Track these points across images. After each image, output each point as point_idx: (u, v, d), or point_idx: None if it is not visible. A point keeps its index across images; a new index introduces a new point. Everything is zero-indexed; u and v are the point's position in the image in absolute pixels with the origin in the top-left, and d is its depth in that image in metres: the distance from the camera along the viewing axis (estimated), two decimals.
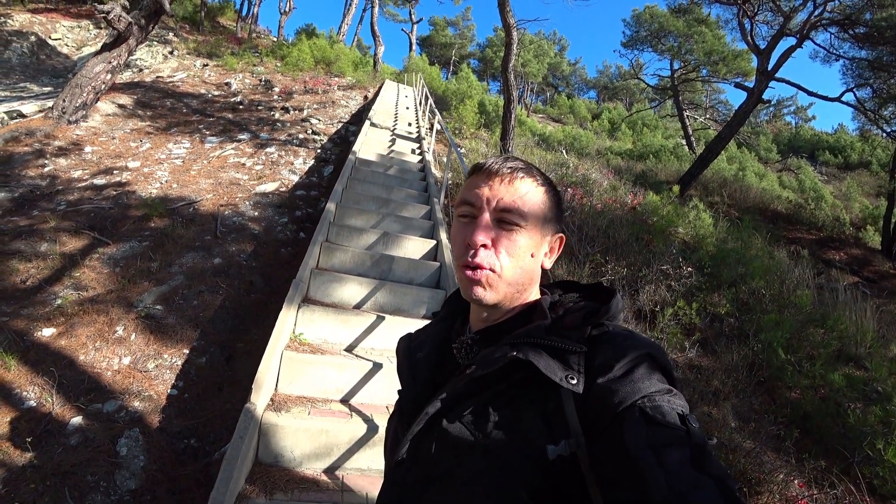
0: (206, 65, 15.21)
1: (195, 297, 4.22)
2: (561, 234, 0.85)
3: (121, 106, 9.83)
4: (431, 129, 9.12)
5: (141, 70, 14.37)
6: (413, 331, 0.98)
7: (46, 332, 3.60)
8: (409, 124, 10.92)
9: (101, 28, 17.26)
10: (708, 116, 22.73)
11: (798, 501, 3.37)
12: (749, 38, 12.71)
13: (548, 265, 0.83)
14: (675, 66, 20.07)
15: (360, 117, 10.82)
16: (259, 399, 2.61)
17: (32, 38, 14.77)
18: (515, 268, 0.76)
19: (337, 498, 2.37)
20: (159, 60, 15.86)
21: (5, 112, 9.46)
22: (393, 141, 9.08)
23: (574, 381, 0.64)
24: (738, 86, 13.30)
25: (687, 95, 21.80)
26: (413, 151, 8.68)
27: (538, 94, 44.13)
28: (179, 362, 3.54)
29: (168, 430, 3.00)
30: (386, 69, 21.77)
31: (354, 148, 7.40)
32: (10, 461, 2.60)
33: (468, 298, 0.79)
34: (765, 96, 12.10)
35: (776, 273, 6.12)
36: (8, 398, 3.00)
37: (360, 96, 13.44)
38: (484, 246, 0.75)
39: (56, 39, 15.91)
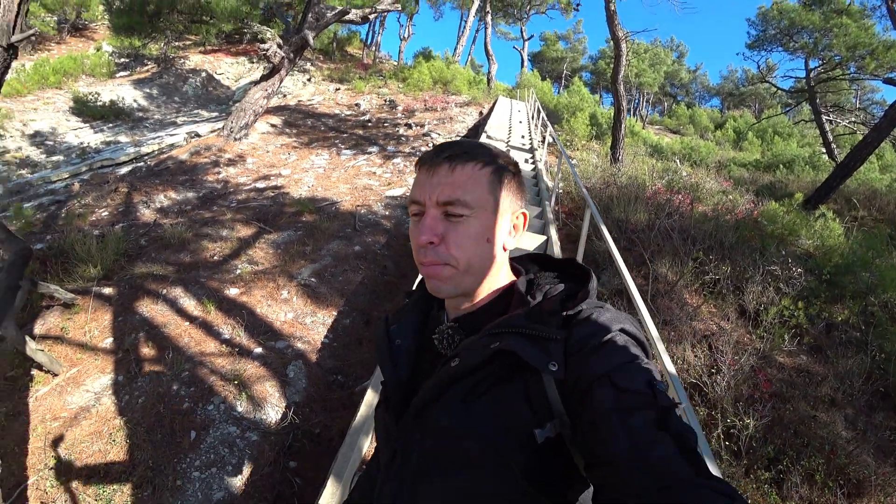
0: (338, 89, 17.23)
1: (340, 273, 5.17)
2: (523, 211, 0.85)
3: (273, 125, 11.66)
4: (543, 141, 9.67)
5: (285, 96, 16.67)
6: (389, 314, 0.98)
7: (232, 291, 4.71)
8: (522, 136, 11.58)
9: (253, 63, 20.26)
10: (855, 119, 20.27)
11: None
12: None
13: (511, 245, 0.83)
14: (812, 65, 18.43)
15: (476, 131, 11.71)
16: None
17: (203, 74, 17.80)
18: (470, 257, 0.77)
19: None
20: (299, 87, 18.26)
21: (187, 133, 11.69)
22: (507, 152, 9.75)
23: (555, 368, 0.67)
24: (887, 81, 12.08)
25: (830, 97, 19.78)
26: (526, 161, 9.30)
27: (655, 104, 42.45)
28: (329, 320, 4.45)
29: (322, 366, 3.86)
30: (499, 86, 22.75)
31: None
32: (217, 370, 3.59)
33: (431, 293, 0.81)
34: None
35: None
36: (211, 331, 4.06)
37: (476, 112, 14.42)
38: (431, 243, 0.76)
39: (220, 74, 18.97)
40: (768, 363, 4.51)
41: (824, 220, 6.94)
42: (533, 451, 0.67)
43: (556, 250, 4.94)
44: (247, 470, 2.95)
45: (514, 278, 0.85)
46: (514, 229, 0.83)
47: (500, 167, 0.80)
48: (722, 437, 3.43)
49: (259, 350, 3.89)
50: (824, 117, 17.91)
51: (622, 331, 0.70)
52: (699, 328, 4.55)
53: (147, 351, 3.86)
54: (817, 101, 18.03)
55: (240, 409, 3.31)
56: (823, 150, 17.20)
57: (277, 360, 3.80)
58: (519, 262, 0.90)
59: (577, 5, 27.21)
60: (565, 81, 39.99)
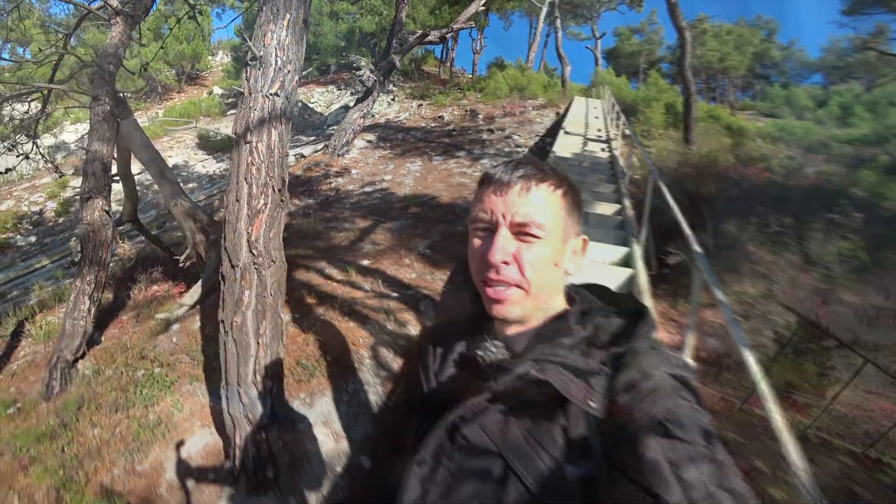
0: (421, 105, 19.07)
1: (449, 246, 6.56)
2: (584, 237, 0.86)
3: (369, 141, 13.53)
4: (620, 133, 10.68)
5: (374, 116, 18.75)
6: (438, 323, 1.00)
7: (364, 262, 6.22)
8: (599, 130, 12.64)
9: (341, 90, 22.79)
10: None
11: None
12: None
13: (572, 271, 0.84)
14: None
15: (554, 130, 12.89)
16: None
17: (299, 104, 20.38)
18: (540, 281, 0.78)
19: None
20: (385, 107, 20.35)
21: (294, 154, 13.81)
22: (585, 143, 10.91)
23: (594, 405, 0.67)
24: None
25: None
26: (602, 150, 10.38)
27: (745, 88, 40.85)
28: (444, 277, 5.82)
29: (443, 303, 5.22)
30: (574, 87, 23.71)
31: (553, 149, 9.42)
32: (368, 306, 5.05)
33: (492, 315, 0.81)
34: None
35: None
36: (356, 286, 5.56)
37: (553, 113, 15.61)
38: (505, 262, 0.77)
39: (313, 103, 21.59)
40: (831, 299, 5.27)
41: None
42: (562, 485, 0.67)
43: (629, 214, 6.02)
44: (400, 361, 4.34)
45: (567, 306, 0.86)
46: (574, 255, 0.84)
47: (572, 189, 0.83)
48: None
49: (395, 294, 5.33)
50: None
51: (674, 376, 0.68)
52: (760, 270, 5.42)
53: (311, 300, 5.40)
54: None
55: (389, 327, 4.72)
56: None
57: (410, 300, 5.21)
58: (576, 290, 0.91)
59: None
60: (643, 75, 39.70)
